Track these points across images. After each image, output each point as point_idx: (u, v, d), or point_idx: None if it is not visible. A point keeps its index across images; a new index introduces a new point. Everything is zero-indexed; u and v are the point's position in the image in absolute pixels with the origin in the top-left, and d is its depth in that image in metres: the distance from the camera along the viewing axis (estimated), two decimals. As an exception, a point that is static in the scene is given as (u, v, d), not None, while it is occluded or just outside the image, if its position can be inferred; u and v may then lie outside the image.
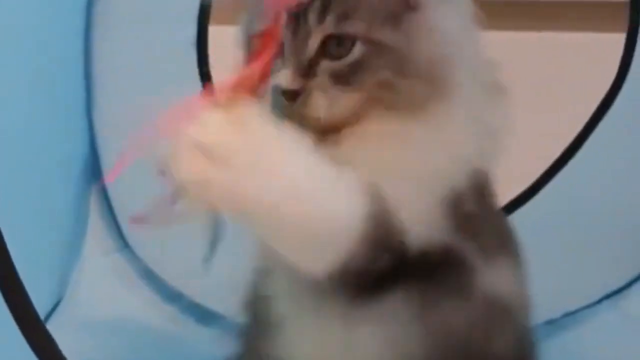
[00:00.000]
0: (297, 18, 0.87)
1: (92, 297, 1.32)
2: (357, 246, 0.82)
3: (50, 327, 1.13)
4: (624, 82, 1.31)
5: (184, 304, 1.39)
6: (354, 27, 0.86)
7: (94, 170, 1.37)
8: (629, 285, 1.36)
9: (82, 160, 1.35)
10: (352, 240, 0.82)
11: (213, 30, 1.35)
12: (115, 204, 1.39)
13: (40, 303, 1.14)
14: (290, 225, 0.81)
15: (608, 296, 1.36)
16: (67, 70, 1.31)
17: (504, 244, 0.95)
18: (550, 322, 1.31)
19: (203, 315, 1.37)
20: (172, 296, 1.39)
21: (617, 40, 1.34)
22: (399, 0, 0.87)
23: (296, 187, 0.80)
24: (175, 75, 1.34)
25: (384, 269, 0.84)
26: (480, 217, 0.90)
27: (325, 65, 0.86)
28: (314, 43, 0.87)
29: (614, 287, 1.36)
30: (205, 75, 1.34)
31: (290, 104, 0.86)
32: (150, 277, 1.40)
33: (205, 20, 1.34)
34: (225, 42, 1.39)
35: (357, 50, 0.86)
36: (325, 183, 0.82)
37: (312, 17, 0.87)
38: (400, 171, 0.86)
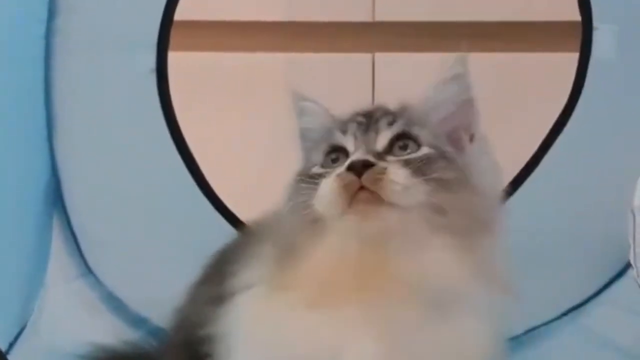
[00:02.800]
0: (367, 125, 0.95)
1: (55, 324, 1.32)
2: None
3: (13, 357, 1.13)
4: (578, 100, 1.33)
5: (149, 328, 1.39)
6: (421, 132, 0.94)
7: (55, 197, 1.37)
8: (587, 301, 1.38)
9: (44, 186, 1.35)
10: None
11: (173, 57, 1.36)
12: (78, 229, 1.39)
13: (3, 332, 1.14)
14: None
15: (568, 312, 1.38)
16: (28, 98, 1.31)
17: None
18: (513, 339, 1.33)
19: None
20: (137, 321, 1.39)
21: (571, 59, 1.36)
22: (453, 141, 0.96)
23: None
24: (136, 101, 1.35)
25: None
26: None
27: (394, 158, 0.92)
28: (383, 140, 0.94)
29: (574, 304, 1.38)
30: (165, 102, 1.35)
31: (354, 180, 0.88)
32: (114, 302, 1.40)
33: (165, 47, 1.35)
34: (185, 68, 1.41)
35: (424, 150, 0.93)
36: None
37: (382, 122, 0.95)
38: None
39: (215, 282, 1.03)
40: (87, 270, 1.40)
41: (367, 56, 1.81)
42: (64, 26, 1.33)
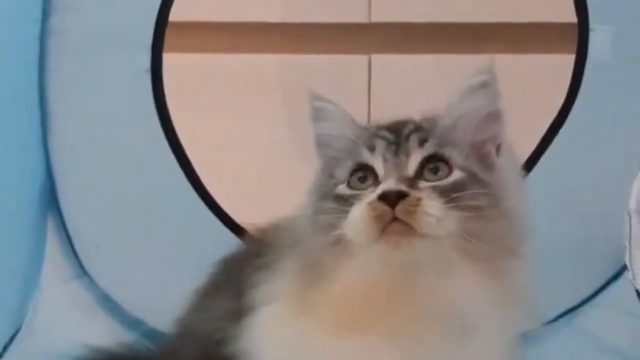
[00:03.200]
0: (397, 144, 0.92)
1: (50, 326, 1.32)
2: None
3: (8, 358, 1.13)
4: (575, 102, 1.33)
5: (144, 330, 1.39)
6: (452, 153, 0.91)
7: (50, 198, 1.37)
8: (584, 303, 1.38)
9: (39, 188, 1.34)
10: None
11: (167, 58, 1.36)
12: (73, 231, 1.39)
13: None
14: None
15: (565, 314, 1.38)
16: (22, 98, 1.31)
17: None
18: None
19: (163, 341, 1.36)
20: (132, 323, 1.39)
21: (567, 61, 1.36)
22: (481, 157, 0.94)
23: None
24: (130, 102, 1.35)
25: None
26: None
27: (426, 184, 0.89)
28: (414, 162, 0.91)
29: (570, 306, 1.38)
30: (159, 103, 1.34)
31: (387, 210, 0.86)
32: (109, 304, 1.40)
33: (159, 47, 1.35)
34: (180, 69, 1.41)
35: (456, 174, 0.90)
36: None
37: (412, 141, 0.92)
38: None
39: (230, 294, 1.01)
40: (82, 271, 1.40)
41: (363, 58, 1.81)
42: (59, 26, 1.33)
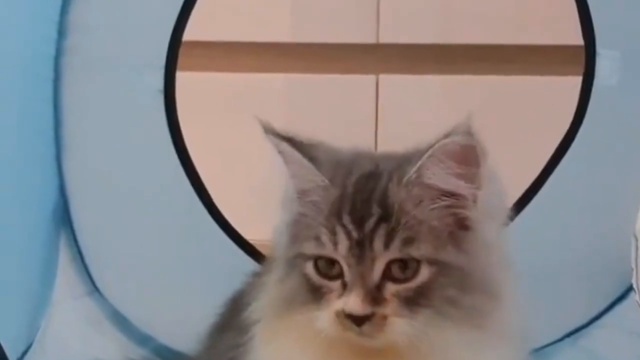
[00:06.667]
0: (361, 244, 0.88)
1: (61, 341, 1.33)
2: None
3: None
4: (581, 125, 1.34)
5: (154, 346, 1.40)
6: (419, 250, 0.88)
7: (63, 215, 1.38)
8: (590, 323, 1.39)
9: (52, 205, 1.36)
10: None
11: (181, 77, 1.37)
12: (84, 248, 1.40)
13: (10, 349, 1.15)
14: None
15: (570, 334, 1.39)
16: (37, 118, 1.32)
17: None
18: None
19: (173, 357, 1.37)
20: (142, 339, 1.40)
21: (573, 84, 1.38)
22: (457, 221, 0.90)
23: None
24: (143, 121, 1.36)
25: None
26: None
27: (392, 288, 0.88)
28: (379, 267, 0.88)
29: (576, 326, 1.38)
30: (173, 122, 1.36)
31: (354, 327, 0.86)
32: (119, 320, 1.41)
33: (172, 67, 1.36)
34: (193, 88, 1.42)
35: (423, 273, 0.88)
36: None
37: (377, 243, 0.88)
38: None
39: (235, 331, 1.01)
40: (94, 288, 1.41)
41: (371, 78, 1.82)
42: (73, 46, 1.35)
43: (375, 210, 0.89)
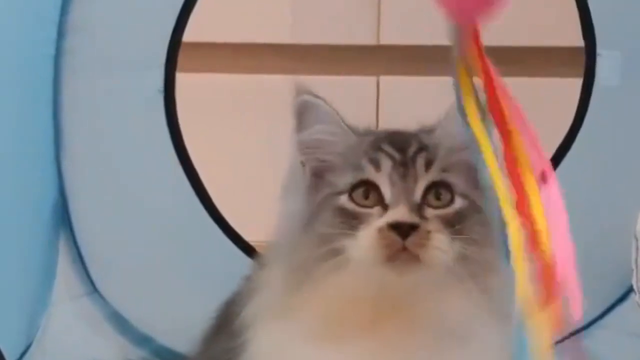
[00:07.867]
0: (404, 165, 0.91)
1: (60, 342, 1.33)
2: None
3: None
4: (581, 126, 1.34)
5: (153, 347, 1.40)
6: (454, 179, 0.92)
7: (63, 216, 1.38)
8: (590, 325, 1.38)
9: (51, 205, 1.36)
10: None
11: (181, 78, 1.37)
12: (84, 248, 1.40)
13: (9, 350, 1.14)
14: None
15: (569, 335, 1.38)
16: (36, 117, 1.32)
17: None
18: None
19: (173, 358, 1.37)
20: (142, 340, 1.40)
21: (574, 85, 1.38)
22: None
23: None
24: (143, 122, 1.36)
25: None
26: None
27: (431, 212, 0.90)
28: (421, 187, 0.91)
29: (576, 327, 1.38)
30: (172, 123, 1.36)
31: (398, 241, 0.87)
32: (119, 321, 1.41)
33: (172, 68, 1.36)
34: (193, 89, 1.42)
35: (458, 202, 0.92)
36: None
37: (419, 164, 0.92)
38: None
39: (228, 334, 1.01)
40: (93, 288, 1.40)
41: (372, 79, 1.82)
42: (73, 46, 1.34)
43: (414, 144, 0.94)
